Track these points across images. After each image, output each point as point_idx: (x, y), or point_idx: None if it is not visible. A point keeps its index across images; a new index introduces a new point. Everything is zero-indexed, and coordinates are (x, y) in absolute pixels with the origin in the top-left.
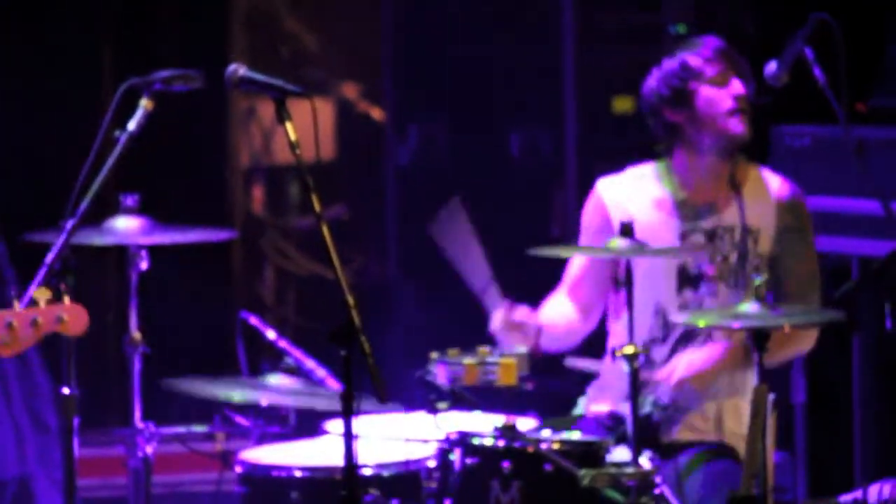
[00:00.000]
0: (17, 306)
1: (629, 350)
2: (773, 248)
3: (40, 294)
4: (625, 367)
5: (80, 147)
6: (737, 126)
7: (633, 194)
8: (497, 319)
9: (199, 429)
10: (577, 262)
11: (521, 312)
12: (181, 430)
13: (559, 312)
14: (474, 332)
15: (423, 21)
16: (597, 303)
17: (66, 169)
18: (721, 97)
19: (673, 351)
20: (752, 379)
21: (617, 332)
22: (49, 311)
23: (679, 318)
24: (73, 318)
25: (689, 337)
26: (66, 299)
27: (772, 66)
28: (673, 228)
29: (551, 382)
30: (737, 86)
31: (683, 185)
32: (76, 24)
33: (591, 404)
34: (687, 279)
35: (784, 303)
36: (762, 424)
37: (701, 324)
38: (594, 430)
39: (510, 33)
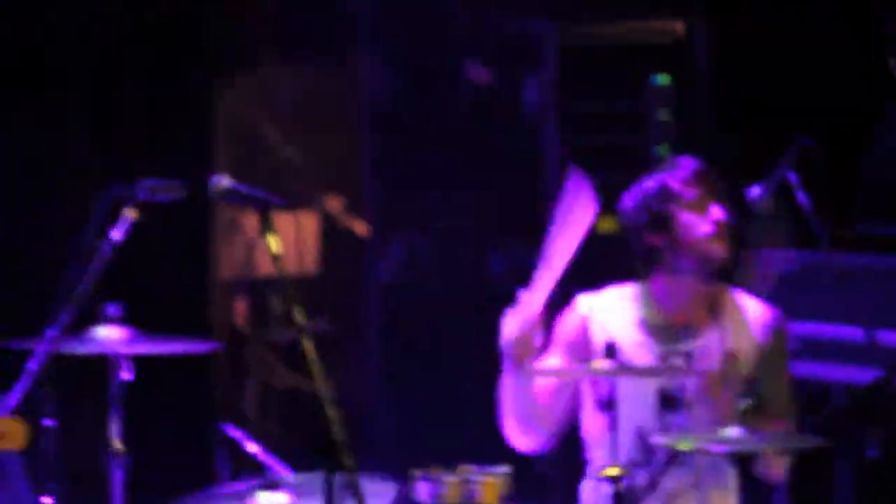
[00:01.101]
0: None
1: (613, 472)
2: (752, 372)
3: None
4: (607, 489)
5: (62, 255)
6: (717, 251)
7: (613, 313)
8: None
9: None
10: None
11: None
12: None
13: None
14: (455, 451)
15: (404, 133)
16: (557, 419)
17: (49, 277)
18: (700, 222)
19: (654, 475)
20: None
21: (598, 456)
22: None
23: (661, 441)
24: (12, 432)
25: (672, 461)
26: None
27: (756, 190)
28: (651, 350)
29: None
30: (716, 210)
31: (662, 308)
32: (60, 134)
33: None
34: (667, 402)
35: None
36: None
37: (684, 447)
38: None
39: (495, 157)
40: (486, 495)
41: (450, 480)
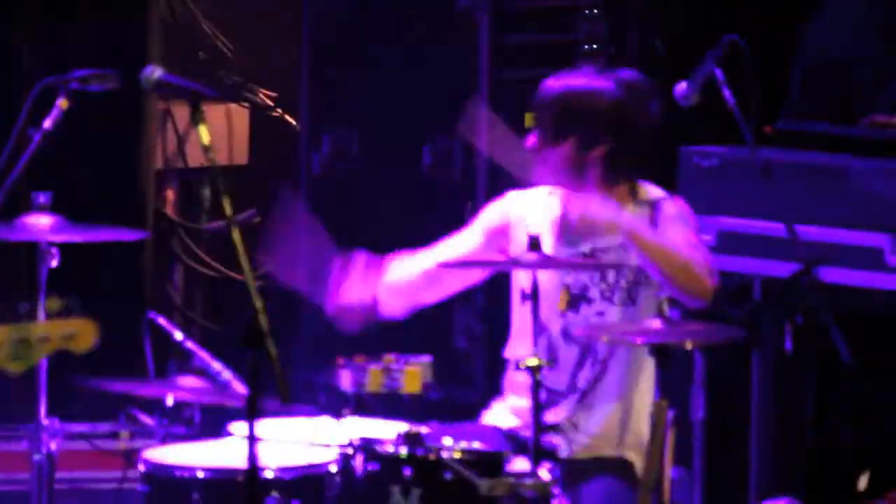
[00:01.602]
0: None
1: (533, 362)
2: None
3: (50, 305)
4: (526, 378)
5: None
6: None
7: (533, 211)
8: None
9: (104, 427)
10: (462, 246)
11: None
12: (86, 427)
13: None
14: (382, 340)
15: (341, 29)
16: (436, 293)
17: None
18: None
19: (572, 372)
20: (645, 388)
21: (516, 346)
22: (58, 326)
23: (581, 332)
24: (84, 333)
25: (583, 358)
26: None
27: (682, 87)
28: (556, 250)
29: (456, 392)
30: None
31: (569, 209)
32: None
33: (494, 418)
34: (570, 301)
35: None
36: (661, 440)
37: (604, 339)
38: (496, 442)
39: (429, 47)
40: (408, 384)
41: (372, 369)
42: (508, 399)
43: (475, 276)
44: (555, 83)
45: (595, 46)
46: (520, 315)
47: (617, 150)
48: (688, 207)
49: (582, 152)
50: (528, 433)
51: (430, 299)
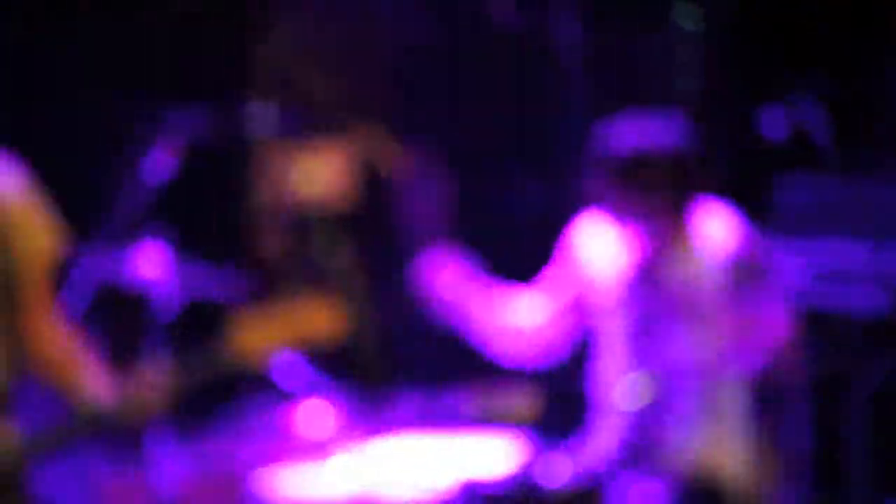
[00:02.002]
0: None
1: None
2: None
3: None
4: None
5: (107, 187)
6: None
7: (597, 242)
8: None
9: None
10: (556, 283)
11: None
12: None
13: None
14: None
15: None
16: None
17: (92, 208)
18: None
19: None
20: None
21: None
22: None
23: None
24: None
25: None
26: None
27: (769, 116)
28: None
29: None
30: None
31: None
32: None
33: None
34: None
35: None
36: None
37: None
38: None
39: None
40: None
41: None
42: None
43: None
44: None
45: None
46: (608, 342)
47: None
48: (762, 246)
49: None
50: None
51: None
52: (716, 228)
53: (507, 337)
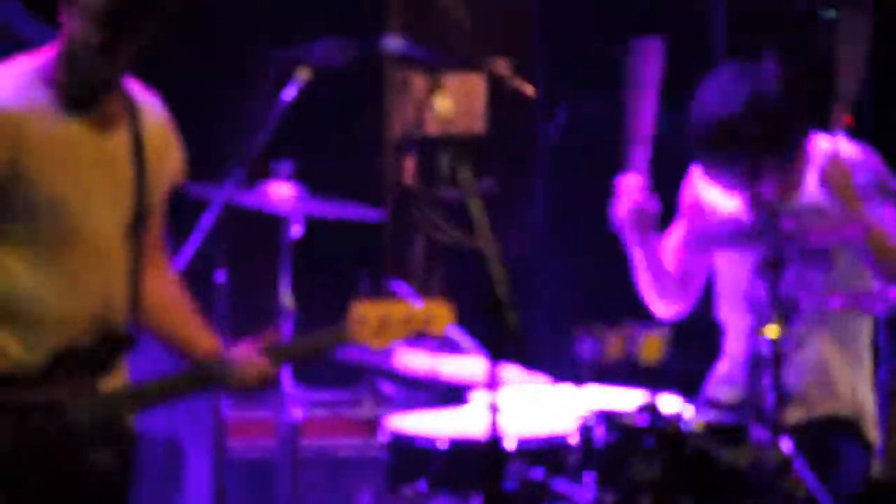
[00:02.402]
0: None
1: (772, 332)
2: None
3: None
4: (764, 346)
5: (239, 115)
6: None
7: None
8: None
9: (347, 394)
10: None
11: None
12: (330, 395)
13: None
14: (618, 307)
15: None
16: (693, 286)
17: (224, 136)
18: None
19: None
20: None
21: (728, 310)
22: (422, 310)
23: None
24: (440, 317)
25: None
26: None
27: None
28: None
29: (690, 359)
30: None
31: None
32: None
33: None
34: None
35: None
36: None
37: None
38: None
39: (659, 18)
40: (648, 351)
41: (611, 336)
42: (725, 366)
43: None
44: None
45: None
46: (730, 279)
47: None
48: (881, 165)
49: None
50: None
51: (686, 294)
52: (831, 162)
53: (658, 280)
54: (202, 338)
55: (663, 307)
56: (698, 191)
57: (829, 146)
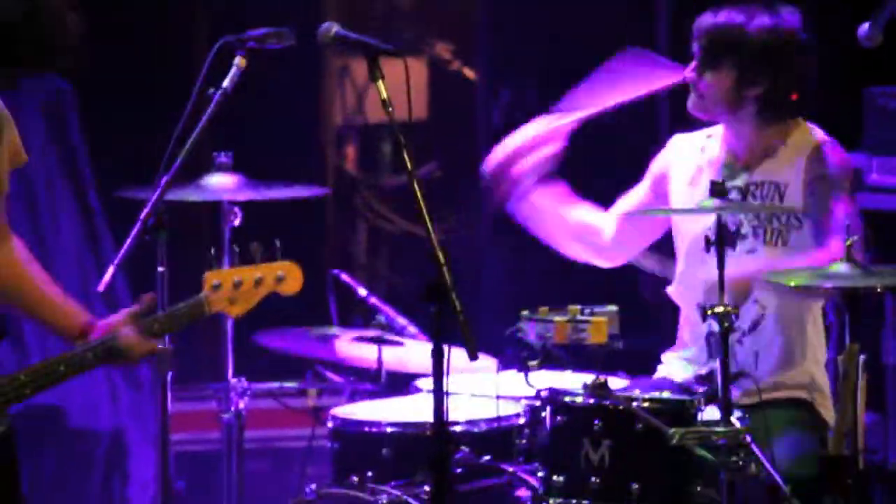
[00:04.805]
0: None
1: (720, 309)
2: (804, 201)
3: (255, 250)
4: (715, 326)
5: (174, 105)
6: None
7: (691, 152)
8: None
9: (292, 384)
10: (634, 199)
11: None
12: (274, 385)
13: (595, 219)
14: (564, 291)
15: None
16: (632, 246)
17: (160, 127)
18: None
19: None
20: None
21: (684, 291)
22: (270, 269)
23: (765, 279)
24: (291, 276)
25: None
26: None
27: (865, 27)
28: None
29: (637, 341)
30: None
31: (728, 146)
32: None
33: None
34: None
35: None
36: (853, 385)
37: (792, 283)
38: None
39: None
40: (594, 334)
41: (558, 320)
42: (681, 347)
43: (659, 230)
44: (714, 14)
45: None
46: (687, 259)
47: (773, 88)
48: (847, 157)
49: (739, 88)
50: (701, 384)
51: (619, 258)
52: (809, 137)
53: (576, 235)
54: (65, 310)
55: (585, 256)
56: (668, 163)
57: (819, 137)
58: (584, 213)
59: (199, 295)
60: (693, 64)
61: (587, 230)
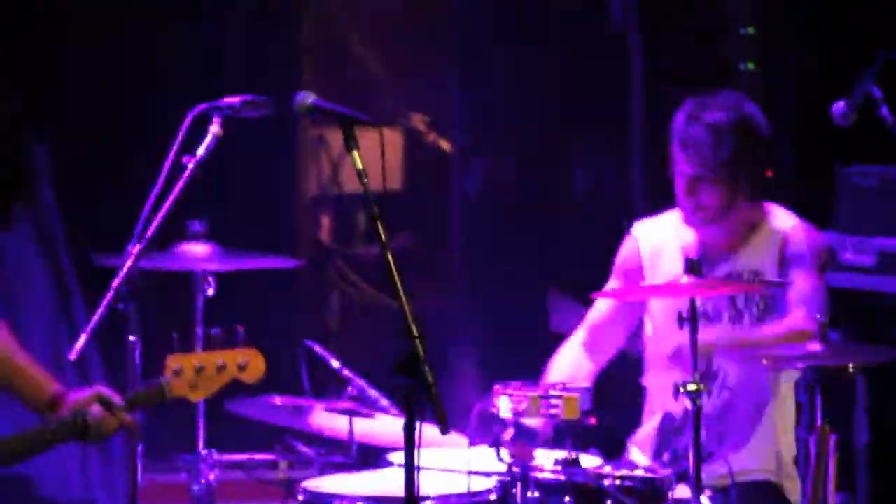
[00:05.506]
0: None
1: (692, 387)
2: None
3: (216, 338)
4: (688, 403)
5: (149, 172)
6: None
7: (661, 239)
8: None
9: (262, 457)
10: (600, 306)
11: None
12: (244, 457)
13: (569, 362)
14: (540, 362)
15: (492, 56)
16: (610, 349)
17: (133, 194)
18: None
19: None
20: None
21: (653, 374)
22: (232, 356)
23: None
24: (254, 364)
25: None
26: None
27: (840, 106)
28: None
29: (608, 416)
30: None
31: (700, 234)
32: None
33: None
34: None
35: None
36: (825, 466)
37: (764, 361)
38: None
39: (579, 72)
40: (567, 410)
41: (530, 395)
42: (645, 429)
43: (630, 326)
44: (710, 136)
45: (750, 65)
46: (656, 341)
47: (755, 169)
48: (818, 237)
49: (735, 187)
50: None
51: (597, 369)
52: (781, 221)
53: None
54: (36, 380)
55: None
56: (639, 253)
57: (788, 224)
58: (558, 374)
59: (160, 379)
60: (682, 186)
61: (574, 377)
